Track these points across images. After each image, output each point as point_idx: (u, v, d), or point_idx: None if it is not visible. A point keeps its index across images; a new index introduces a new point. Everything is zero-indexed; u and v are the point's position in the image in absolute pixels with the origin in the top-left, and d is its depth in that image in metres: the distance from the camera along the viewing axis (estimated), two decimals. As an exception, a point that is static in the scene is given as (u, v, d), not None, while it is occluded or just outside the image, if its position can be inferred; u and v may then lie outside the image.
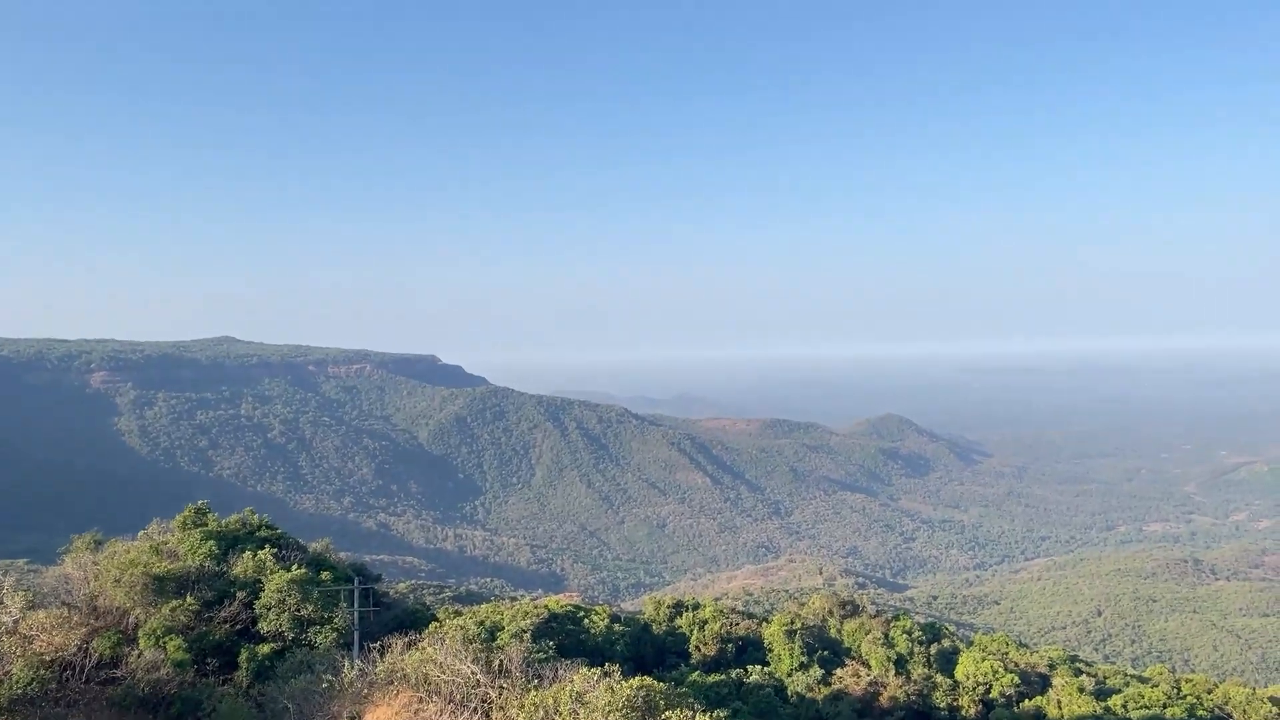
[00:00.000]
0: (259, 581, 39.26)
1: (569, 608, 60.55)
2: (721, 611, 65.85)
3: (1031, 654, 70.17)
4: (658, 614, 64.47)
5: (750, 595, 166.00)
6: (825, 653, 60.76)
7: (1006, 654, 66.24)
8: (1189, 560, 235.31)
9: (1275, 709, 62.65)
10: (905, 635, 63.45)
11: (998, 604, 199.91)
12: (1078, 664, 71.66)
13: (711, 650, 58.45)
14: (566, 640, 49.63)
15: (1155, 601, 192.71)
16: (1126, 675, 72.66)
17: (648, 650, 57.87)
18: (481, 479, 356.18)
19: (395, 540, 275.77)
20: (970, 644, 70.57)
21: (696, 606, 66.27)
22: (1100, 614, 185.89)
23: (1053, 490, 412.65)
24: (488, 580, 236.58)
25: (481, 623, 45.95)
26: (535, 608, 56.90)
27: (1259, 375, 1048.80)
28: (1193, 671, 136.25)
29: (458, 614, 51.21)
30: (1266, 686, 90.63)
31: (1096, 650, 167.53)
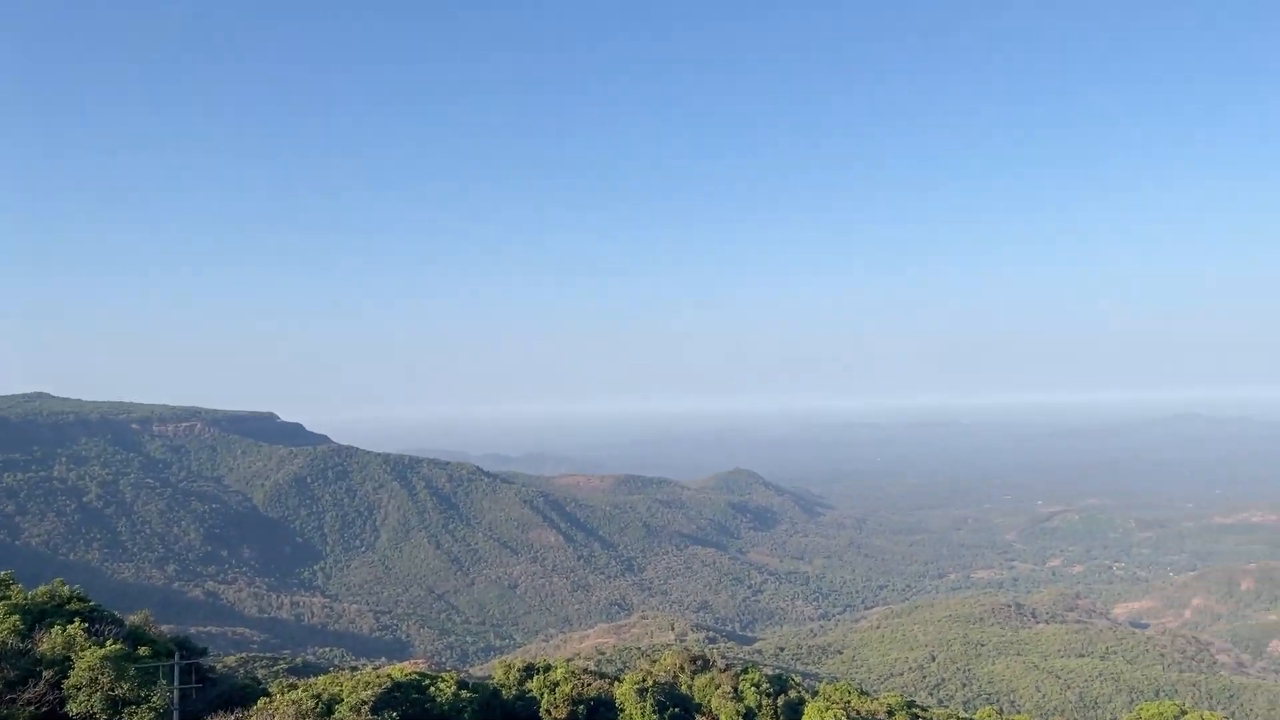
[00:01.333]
0: (68, 659, 35.89)
1: (414, 675, 58.18)
2: (573, 672, 64.93)
3: (872, 701, 72.47)
4: (508, 678, 62.92)
5: (603, 654, 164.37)
6: (676, 710, 60.78)
7: (849, 702, 68.19)
8: (1012, 605, 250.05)
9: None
10: (754, 688, 64.41)
11: (840, 653, 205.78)
12: (914, 709, 74.50)
13: (563, 713, 57.42)
14: (411, 710, 47.65)
15: (984, 645, 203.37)
16: (958, 718, 76.08)
17: (497, 716, 56.22)
18: (322, 542, 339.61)
19: (225, 610, 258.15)
20: (815, 694, 72.28)
21: (548, 668, 65.09)
22: (934, 659, 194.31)
23: (889, 540, 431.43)
24: (327, 650, 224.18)
25: (318, 695, 43.50)
26: (377, 677, 54.39)
27: (1069, 431, 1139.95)
28: (1018, 712, 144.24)
29: (292, 687, 48.27)
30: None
31: (931, 694, 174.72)
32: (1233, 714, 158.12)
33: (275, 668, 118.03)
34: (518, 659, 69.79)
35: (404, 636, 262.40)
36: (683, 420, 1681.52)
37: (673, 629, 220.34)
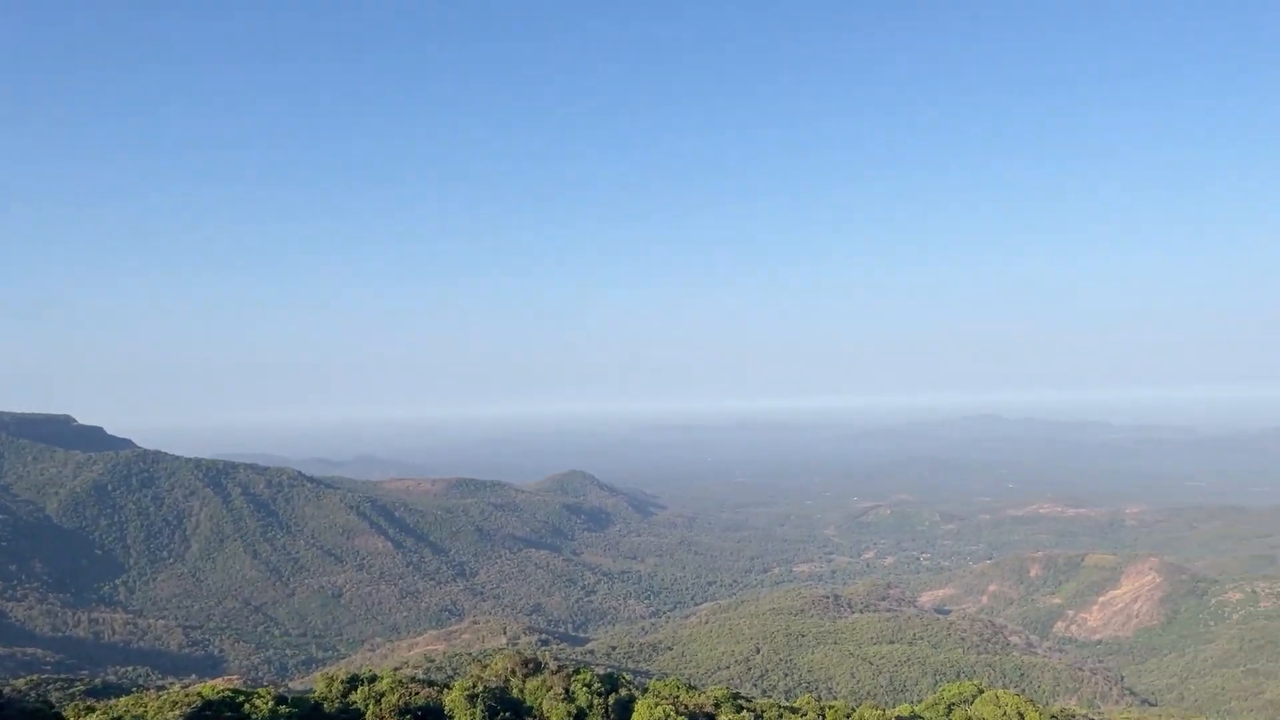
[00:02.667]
0: None
1: (227, 693, 55.08)
2: (400, 682, 63.32)
3: (700, 695, 74.55)
4: (330, 690, 60.60)
5: (432, 662, 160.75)
6: (507, 714, 60.45)
7: (678, 697, 69.91)
8: (830, 596, 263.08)
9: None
10: (585, 688, 64.90)
11: (671, 649, 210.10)
12: (739, 700, 77.19)
13: (389, 723, 55.92)
14: (224, 729, 45.12)
15: (804, 636, 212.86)
16: (780, 707, 79.36)
17: (318, 730, 54.12)
18: (124, 554, 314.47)
19: (14, 629, 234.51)
20: (645, 690, 73.64)
21: (373, 679, 63.15)
22: (759, 651, 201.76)
23: (718, 537, 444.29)
24: (130, 669, 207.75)
25: (118, 718, 40.53)
26: (187, 696, 51.15)
27: (882, 431, 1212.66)
28: (834, 697, 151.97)
29: (89, 710, 44.73)
30: (895, 706, 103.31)
31: (756, 685, 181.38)
32: (1023, 690, 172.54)
33: (71, 690, 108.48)
34: (341, 670, 67.31)
35: (217, 652, 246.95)
36: (519, 423, 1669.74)
37: (505, 633, 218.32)
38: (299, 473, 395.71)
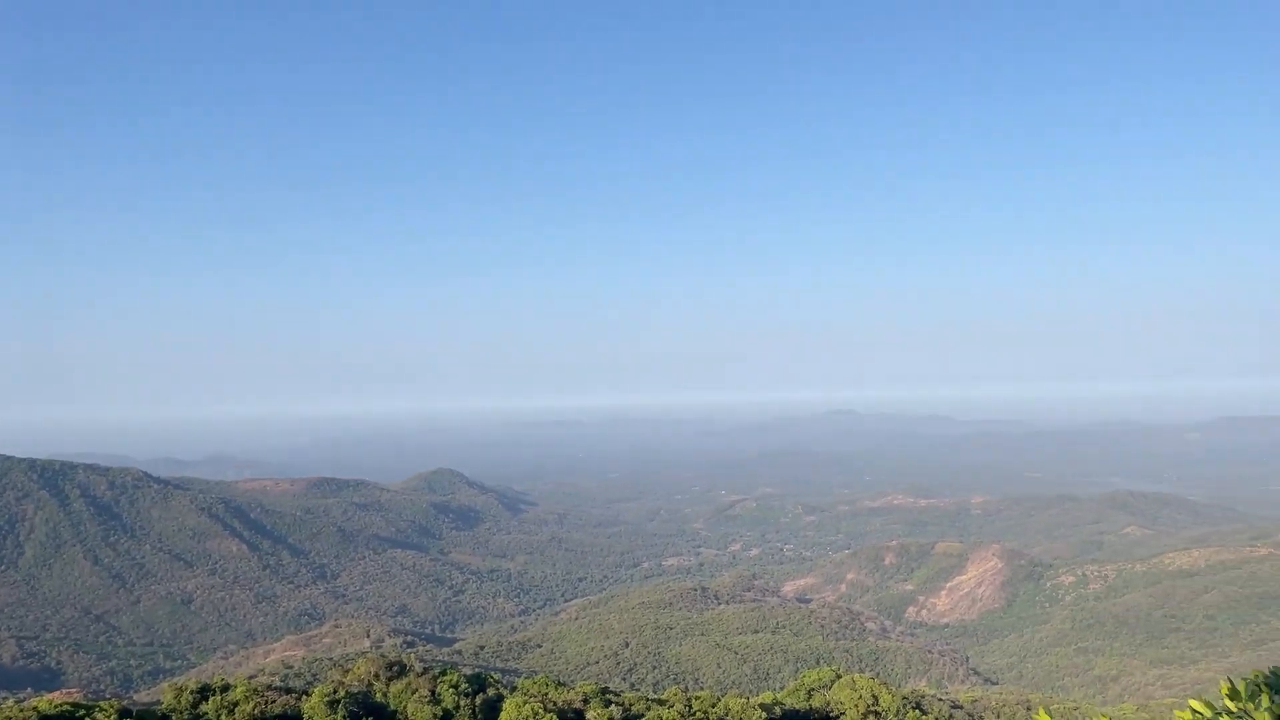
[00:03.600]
0: None
1: (65, 706, 51.56)
2: (255, 690, 60.72)
3: (569, 691, 74.65)
4: (179, 701, 57.55)
5: (290, 668, 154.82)
6: (370, 719, 58.93)
7: (546, 694, 69.79)
8: (698, 589, 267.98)
9: (764, 714, 73.74)
10: (452, 689, 63.96)
11: (540, 647, 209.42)
12: (608, 695, 77.71)
13: (243, 734, 53.59)
14: (58, 748, 42.20)
15: (672, 629, 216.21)
16: (648, 699, 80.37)
17: (165, 745, 51.33)
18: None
19: None
20: (514, 689, 73.20)
21: (226, 688, 60.32)
22: (628, 645, 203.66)
23: (589, 534, 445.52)
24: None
25: (-63, 743, 37.31)
26: (21, 711, 47.62)
27: (748, 426, 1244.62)
28: (701, 687, 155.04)
29: (-99, 737, 40.98)
30: (758, 694, 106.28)
31: (624, 679, 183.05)
32: (878, 673, 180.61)
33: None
34: (191, 680, 63.96)
35: (54, 664, 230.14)
36: (383, 421, 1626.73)
37: (368, 636, 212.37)
38: (144, 473, 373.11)
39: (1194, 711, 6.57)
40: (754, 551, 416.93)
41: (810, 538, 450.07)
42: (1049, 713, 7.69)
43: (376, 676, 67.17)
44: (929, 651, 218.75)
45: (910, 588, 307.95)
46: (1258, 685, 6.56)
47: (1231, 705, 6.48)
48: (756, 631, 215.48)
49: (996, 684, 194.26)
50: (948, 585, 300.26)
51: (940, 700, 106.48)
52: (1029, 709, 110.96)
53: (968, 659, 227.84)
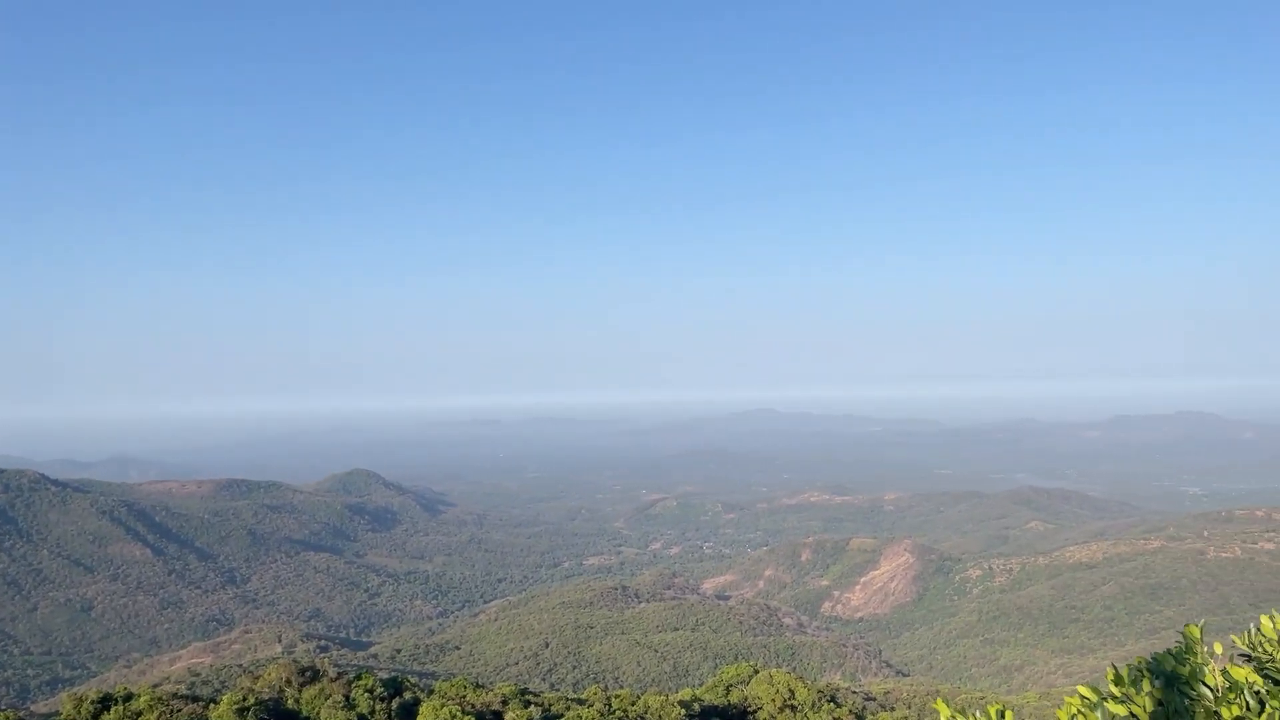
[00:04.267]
0: None
1: (-51, 725, 48.90)
2: (160, 699, 58.55)
3: (487, 693, 74.00)
4: (79, 712, 55.13)
5: (198, 676, 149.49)
6: (281, 725, 57.42)
7: (464, 696, 69.05)
8: (619, 588, 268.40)
9: (683, 710, 74.37)
10: (367, 694, 62.75)
11: (459, 649, 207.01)
12: (527, 695, 77.33)
13: (146, 745, 51.62)
14: (-57, 766, 40.05)
15: (592, 628, 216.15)
16: (568, 699, 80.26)
17: (61, 759, 49.11)
18: None
19: None
20: (431, 692, 72.19)
21: (129, 697, 58.01)
22: (548, 645, 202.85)
23: (509, 534, 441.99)
24: None
25: None
26: (-104, 732, 44.92)
27: (670, 425, 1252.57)
28: (622, 687, 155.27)
29: None
30: (677, 691, 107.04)
31: (544, 679, 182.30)
32: (794, 668, 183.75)
33: None
34: (91, 690, 61.30)
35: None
36: (297, 421, 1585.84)
37: (280, 641, 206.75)
38: (41, 475, 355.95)
39: (1082, 698, 6.88)
40: (675, 550, 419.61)
41: (730, 535, 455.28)
42: (948, 703, 7.92)
43: (288, 682, 65.46)
44: (844, 645, 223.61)
45: (826, 583, 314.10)
46: (1140, 671, 6.89)
47: (1116, 691, 6.79)
48: (676, 629, 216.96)
49: (908, 675, 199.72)
50: (862, 580, 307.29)
51: (854, 693, 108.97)
52: (938, 699, 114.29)
53: (881, 652, 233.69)
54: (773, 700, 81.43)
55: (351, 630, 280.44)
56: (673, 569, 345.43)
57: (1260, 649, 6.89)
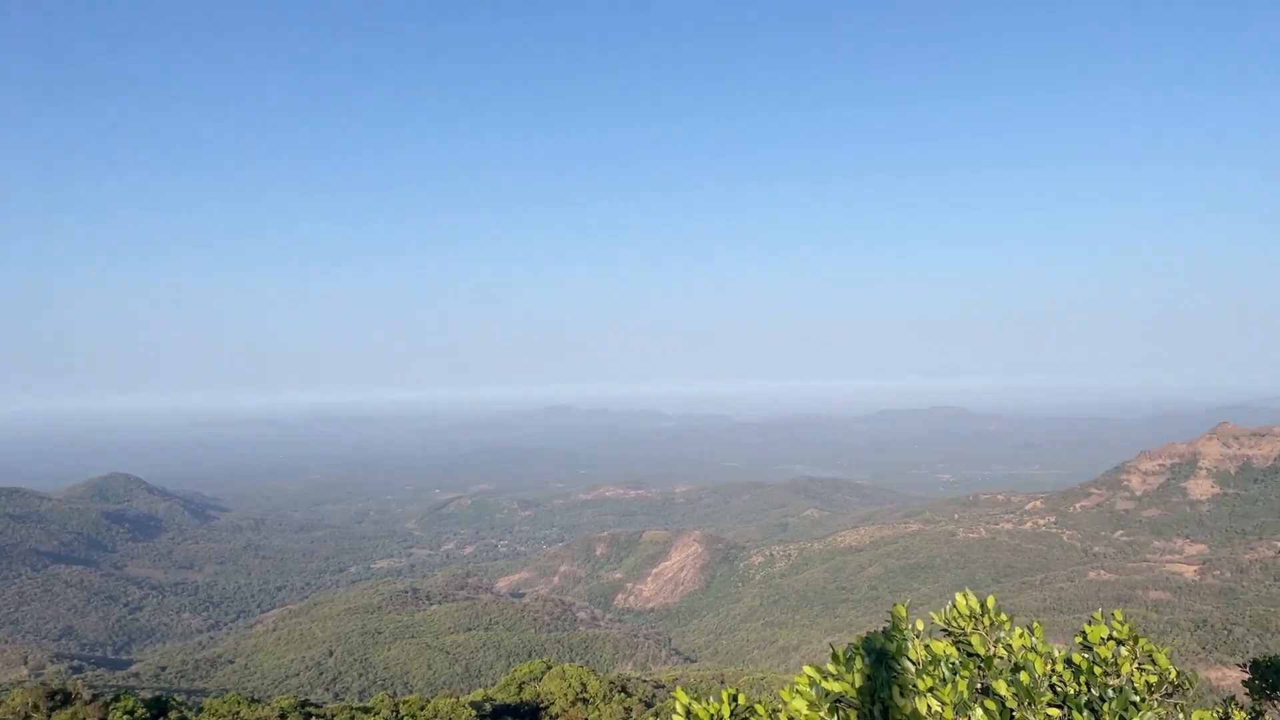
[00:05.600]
0: None
1: None
2: None
3: (264, 707, 70.16)
4: None
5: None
6: (23, 759, 51.92)
7: (238, 712, 65.16)
8: (409, 590, 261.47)
9: (474, 711, 73.73)
10: (127, 716, 57.91)
11: (232, 663, 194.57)
12: (308, 707, 74.00)
13: None
14: None
15: (380, 633, 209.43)
16: (352, 709, 77.49)
17: None
18: None
19: None
20: (201, 710, 67.59)
21: None
22: (332, 654, 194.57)
23: (290, 539, 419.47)
24: None
25: None
26: None
27: (466, 422, 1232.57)
28: (410, 691, 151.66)
29: None
30: (469, 693, 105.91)
31: (328, 689, 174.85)
32: (587, 661, 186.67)
33: None
34: None
35: None
36: (42, 421, 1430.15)
37: (25, 663, 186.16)
38: None
39: (808, 677, 7.59)
40: (469, 549, 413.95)
41: (525, 533, 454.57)
42: (686, 691, 8.58)
43: (35, 708, 59.22)
44: (635, 636, 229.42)
45: (619, 576, 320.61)
46: (855, 650, 7.73)
47: (833, 669, 7.56)
48: (470, 629, 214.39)
49: (695, 661, 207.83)
50: (654, 571, 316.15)
51: (644, 682, 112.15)
52: (722, 682, 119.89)
53: (670, 640, 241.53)
54: (565, 695, 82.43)
55: (109, 648, 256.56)
56: (466, 569, 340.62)
57: (954, 624, 8.03)
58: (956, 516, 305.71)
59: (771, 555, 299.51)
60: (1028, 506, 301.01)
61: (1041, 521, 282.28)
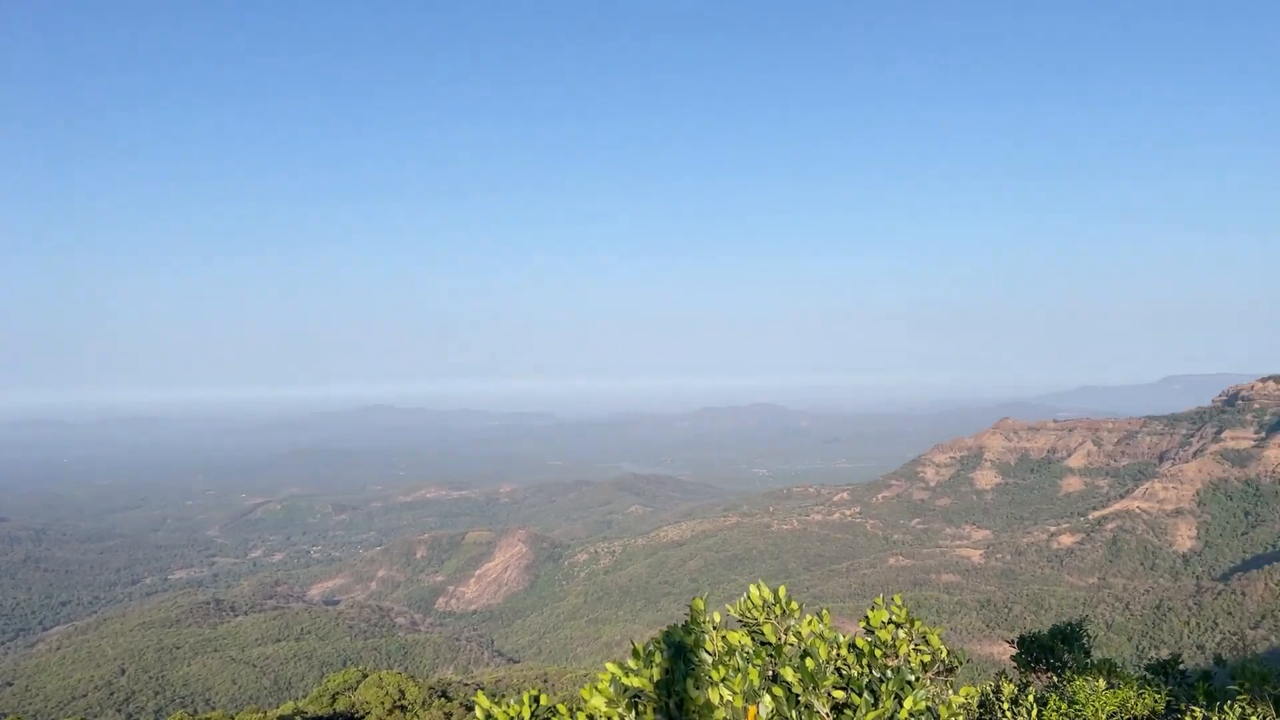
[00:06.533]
0: None
1: None
2: None
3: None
4: None
5: None
6: None
7: (11, 744, 59.33)
8: (212, 601, 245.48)
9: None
10: None
11: (10, 685, 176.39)
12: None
13: None
14: None
15: (179, 648, 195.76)
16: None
17: None
18: None
19: None
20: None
21: None
22: (124, 672, 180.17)
23: (75, 551, 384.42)
24: None
25: None
26: None
27: (275, 423, 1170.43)
28: (212, 708, 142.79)
29: None
30: (278, 706, 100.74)
31: (120, 711, 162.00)
32: (406, 667, 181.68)
33: None
34: None
35: None
36: None
37: None
38: None
39: (611, 673, 7.77)
40: (278, 556, 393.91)
41: (341, 537, 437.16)
42: (487, 695, 8.59)
43: None
44: (457, 639, 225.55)
45: (441, 578, 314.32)
46: (655, 644, 7.98)
47: (633, 664, 7.77)
48: (279, 640, 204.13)
49: (519, 662, 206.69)
50: (477, 573, 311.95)
51: (466, 685, 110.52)
52: (545, 681, 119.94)
53: (493, 642, 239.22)
54: (382, 703, 79.95)
55: None
56: (275, 576, 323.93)
57: (749, 615, 8.46)
58: (772, 509, 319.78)
59: (596, 552, 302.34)
60: (836, 498, 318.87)
61: (848, 512, 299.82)
